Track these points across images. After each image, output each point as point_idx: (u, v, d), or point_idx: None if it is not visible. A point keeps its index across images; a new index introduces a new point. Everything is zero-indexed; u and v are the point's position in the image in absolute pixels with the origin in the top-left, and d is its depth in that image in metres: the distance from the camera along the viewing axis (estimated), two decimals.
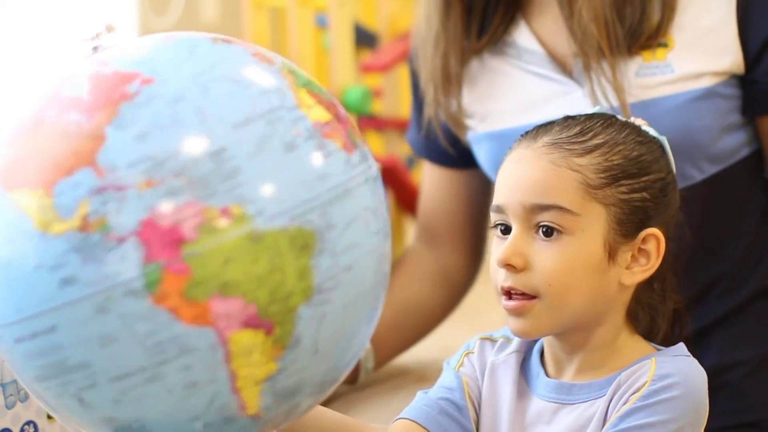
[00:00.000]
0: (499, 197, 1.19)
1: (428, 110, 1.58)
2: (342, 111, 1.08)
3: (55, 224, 0.96)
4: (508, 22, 1.53)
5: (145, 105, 0.98)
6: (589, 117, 1.22)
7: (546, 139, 1.19)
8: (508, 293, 1.17)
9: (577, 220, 1.15)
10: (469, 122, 1.55)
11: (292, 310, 0.99)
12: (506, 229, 1.18)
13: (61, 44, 2.76)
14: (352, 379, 1.61)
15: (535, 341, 1.24)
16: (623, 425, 1.11)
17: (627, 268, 1.17)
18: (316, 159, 1.01)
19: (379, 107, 2.83)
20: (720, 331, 1.47)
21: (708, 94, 1.43)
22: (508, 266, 1.16)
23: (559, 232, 1.15)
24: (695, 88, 1.43)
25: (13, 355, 1.02)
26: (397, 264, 1.67)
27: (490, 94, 1.53)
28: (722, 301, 1.48)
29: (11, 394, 1.30)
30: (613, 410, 1.14)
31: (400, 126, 2.70)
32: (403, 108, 2.86)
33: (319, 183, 1.01)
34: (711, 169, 1.45)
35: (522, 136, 1.22)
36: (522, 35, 1.51)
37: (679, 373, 1.13)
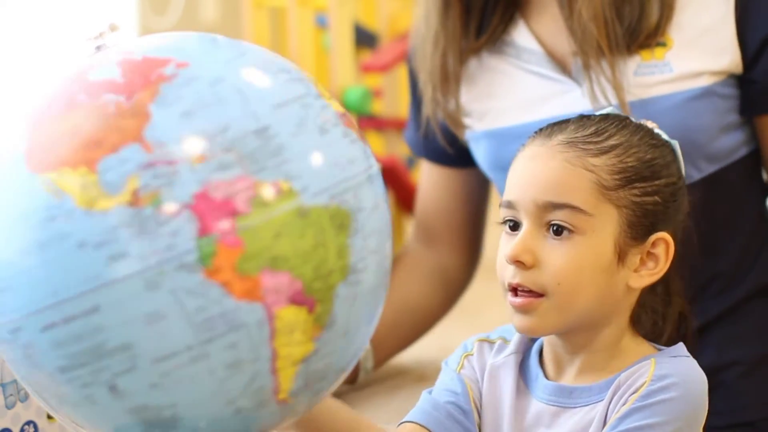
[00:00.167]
0: (510, 193, 1.19)
1: (426, 109, 1.58)
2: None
3: (101, 200, 0.96)
4: (507, 21, 1.53)
5: (185, 85, 0.99)
6: (604, 117, 1.21)
7: (561, 137, 1.18)
8: (515, 290, 1.16)
9: (590, 221, 1.15)
10: (467, 121, 1.55)
11: (331, 288, 1.00)
12: (515, 226, 1.18)
13: (61, 44, 2.76)
14: (352, 379, 1.61)
15: (533, 342, 1.23)
16: (622, 427, 1.11)
17: (635, 271, 1.17)
18: (345, 144, 1.05)
19: (379, 107, 2.84)
20: (716, 331, 1.47)
21: (706, 93, 1.43)
22: (517, 263, 1.15)
23: (570, 231, 1.15)
24: (693, 87, 1.43)
25: (34, 347, 0.99)
26: (394, 263, 1.67)
27: (488, 93, 1.53)
28: (718, 301, 1.48)
29: (11, 394, 1.30)
30: (613, 411, 1.13)
31: (400, 126, 2.70)
32: (403, 108, 2.86)
33: (351, 166, 1.04)
34: (709, 169, 1.45)
35: (536, 132, 1.21)
36: (521, 34, 1.52)
37: (678, 373, 1.13)
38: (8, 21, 2.72)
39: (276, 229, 0.97)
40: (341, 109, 1.08)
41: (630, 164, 1.17)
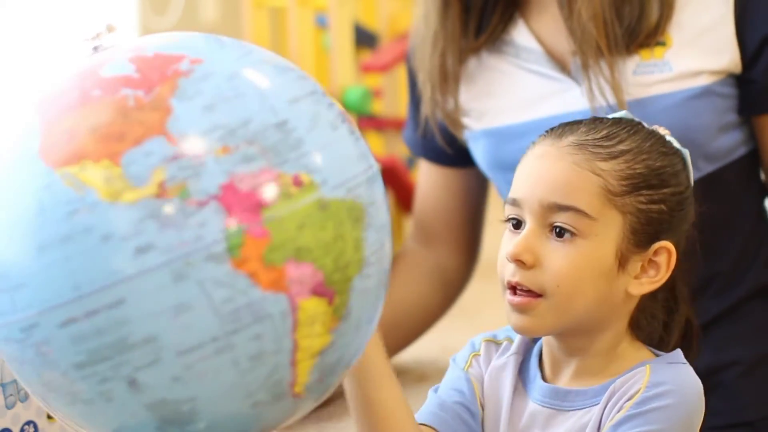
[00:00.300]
0: (516, 191, 1.18)
1: (425, 109, 1.58)
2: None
3: (127, 193, 0.96)
4: (507, 21, 1.54)
5: (203, 80, 1.00)
6: (617, 121, 1.20)
7: (571, 138, 1.18)
8: (514, 288, 1.16)
9: (593, 225, 1.14)
10: (466, 120, 1.55)
11: (348, 280, 1.01)
12: (518, 224, 1.18)
13: (61, 44, 2.76)
14: None
15: (535, 343, 1.23)
16: None
17: (635, 277, 1.17)
18: (353, 140, 1.06)
19: (379, 107, 2.84)
20: (715, 331, 1.47)
21: (705, 93, 1.43)
22: (518, 262, 1.15)
23: (573, 234, 1.14)
24: (692, 87, 1.43)
25: (50, 344, 0.98)
26: (393, 263, 1.67)
27: (487, 92, 1.54)
28: (717, 301, 1.48)
29: (11, 394, 1.30)
30: (608, 417, 1.13)
31: (399, 126, 2.70)
32: (403, 108, 2.86)
33: (361, 161, 1.05)
34: (707, 168, 1.46)
35: (546, 132, 1.21)
36: (520, 34, 1.52)
37: (673, 381, 1.13)
38: (8, 21, 2.73)
39: (300, 220, 0.98)
40: (342, 109, 1.09)
41: (638, 171, 1.16)
